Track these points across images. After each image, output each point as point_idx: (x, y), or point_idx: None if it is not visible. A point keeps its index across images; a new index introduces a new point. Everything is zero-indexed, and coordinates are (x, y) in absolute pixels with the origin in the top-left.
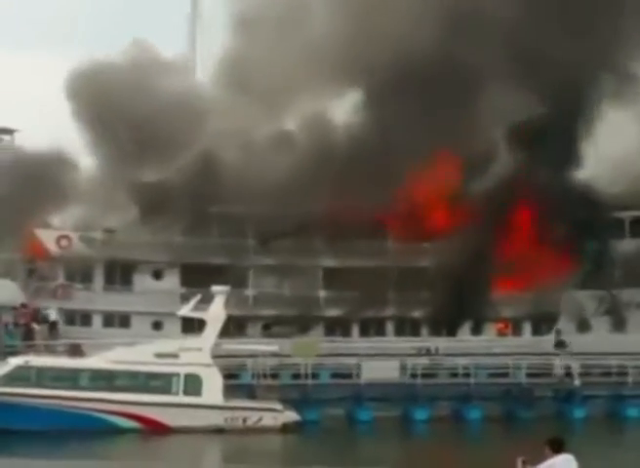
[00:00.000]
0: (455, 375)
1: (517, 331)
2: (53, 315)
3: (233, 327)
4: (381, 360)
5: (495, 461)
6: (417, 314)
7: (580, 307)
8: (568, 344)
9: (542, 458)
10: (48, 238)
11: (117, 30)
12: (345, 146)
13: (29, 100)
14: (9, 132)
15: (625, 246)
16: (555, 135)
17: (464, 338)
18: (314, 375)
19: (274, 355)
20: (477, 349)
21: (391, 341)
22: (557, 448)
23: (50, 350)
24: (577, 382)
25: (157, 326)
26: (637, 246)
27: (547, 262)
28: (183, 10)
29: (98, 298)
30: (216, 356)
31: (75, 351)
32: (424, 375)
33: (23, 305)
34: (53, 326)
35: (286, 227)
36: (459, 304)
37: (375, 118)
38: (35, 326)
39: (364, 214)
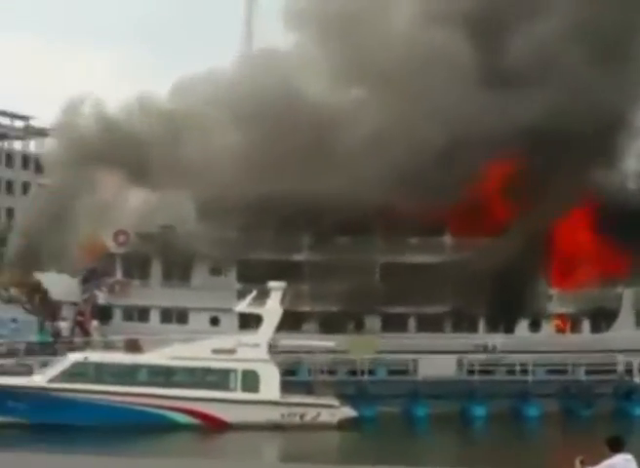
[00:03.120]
0: (512, 372)
1: (576, 327)
2: (101, 298)
3: (289, 322)
4: (439, 356)
5: (553, 460)
6: (473, 310)
7: None
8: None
9: (603, 458)
10: (106, 234)
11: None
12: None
13: None
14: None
15: None
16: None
17: (522, 335)
18: (371, 372)
19: (331, 351)
20: (535, 346)
21: (448, 337)
22: (616, 447)
23: (108, 346)
24: (637, 379)
25: (214, 321)
26: None
27: (606, 258)
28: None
29: (155, 294)
30: (273, 352)
31: (133, 347)
32: (482, 372)
33: (80, 313)
34: (104, 311)
35: (343, 222)
36: (515, 300)
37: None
38: (94, 322)
39: (424, 211)
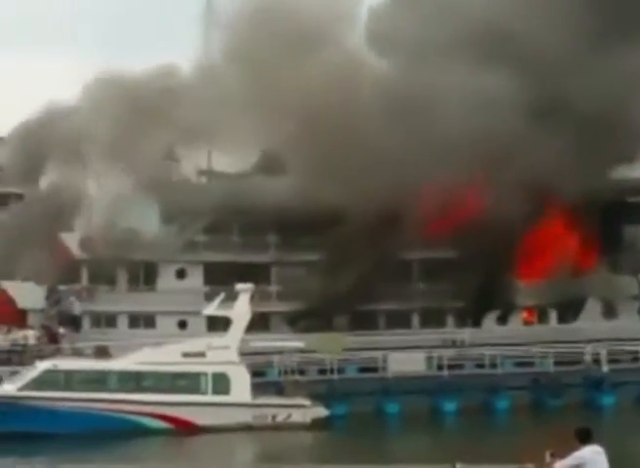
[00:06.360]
0: (481, 366)
1: (543, 319)
2: (76, 308)
3: (257, 323)
4: (408, 352)
5: (524, 453)
6: (442, 305)
7: (608, 293)
8: None
9: (572, 450)
10: (71, 241)
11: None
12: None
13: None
14: None
15: None
16: None
17: (490, 329)
18: (341, 370)
19: (300, 351)
20: (503, 339)
21: (417, 333)
22: (585, 439)
23: (77, 353)
24: (605, 369)
25: (182, 325)
26: None
27: (573, 249)
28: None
29: (122, 300)
30: (242, 353)
31: (102, 353)
32: (451, 367)
33: (44, 327)
34: (76, 320)
35: (309, 222)
36: (483, 294)
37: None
38: (61, 329)
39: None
